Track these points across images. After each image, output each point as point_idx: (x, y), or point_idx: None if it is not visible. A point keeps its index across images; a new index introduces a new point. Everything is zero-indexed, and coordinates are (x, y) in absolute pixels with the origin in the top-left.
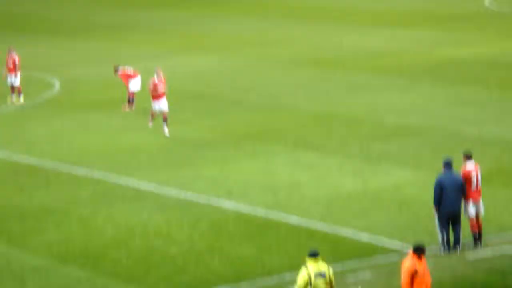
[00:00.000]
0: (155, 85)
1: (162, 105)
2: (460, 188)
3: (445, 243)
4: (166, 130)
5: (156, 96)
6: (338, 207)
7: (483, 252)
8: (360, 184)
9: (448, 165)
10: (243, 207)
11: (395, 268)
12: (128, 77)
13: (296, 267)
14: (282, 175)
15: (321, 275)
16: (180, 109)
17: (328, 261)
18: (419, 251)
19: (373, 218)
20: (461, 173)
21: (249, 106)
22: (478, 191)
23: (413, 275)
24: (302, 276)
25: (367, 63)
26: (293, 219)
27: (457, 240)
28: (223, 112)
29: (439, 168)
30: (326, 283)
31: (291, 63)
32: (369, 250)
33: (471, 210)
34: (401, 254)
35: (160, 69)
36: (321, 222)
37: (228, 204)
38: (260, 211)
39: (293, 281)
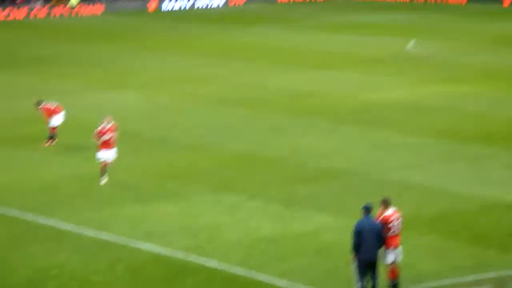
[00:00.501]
0: (101, 133)
1: (110, 154)
2: (378, 234)
3: None
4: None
5: (103, 144)
6: (258, 251)
7: None
8: (281, 228)
9: (367, 210)
10: (162, 250)
11: None
12: (51, 112)
13: None
14: (203, 217)
15: None
16: None
17: None
18: None
19: (292, 264)
20: (379, 219)
21: (172, 145)
22: (396, 237)
23: None
24: None
25: (291, 104)
26: (213, 263)
27: (374, 286)
28: (145, 150)
29: (360, 214)
30: None
31: (215, 102)
32: None
33: (389, 257)
34: None
35: (109, 117)
36: (241, 266)
37: (147, 246)
38: (179, 254)
39: None
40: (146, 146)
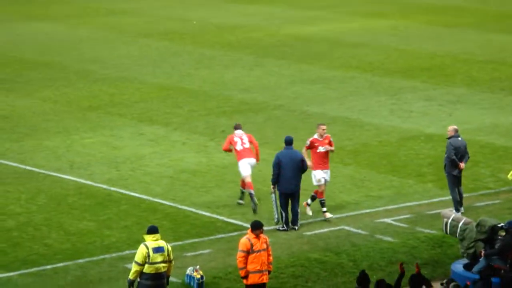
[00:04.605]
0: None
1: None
2: (298, 165)
3: (284, 221)
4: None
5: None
6: (181, 183)
7: (319, 230)
8: (204, 160)
9: (288, 142)
10: (84, 181)
11: (234, 245)
12: None
13: (136, 242)
14: (125, 149)
15: (159, 250)
16: (22, 79)
17: (168, 237)
18: (256, 228)
19: (215, 195)
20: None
21: (95, 77)
22: (326, 159)
23: (248, 252)
24: (140, 252)
25: (215, 37)
26: (135, 195)
27: (295, 218)
28: (67, 83)
29: (282, 146)
30: (164, 257)
31: (138, 34)
32: (210, 227)
33: (320, 177)
34: (241, 231)
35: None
36: (163, 198)
37: (69, 177)
38: (101, 185)
39: (132, 257)
40: (68, 78)
